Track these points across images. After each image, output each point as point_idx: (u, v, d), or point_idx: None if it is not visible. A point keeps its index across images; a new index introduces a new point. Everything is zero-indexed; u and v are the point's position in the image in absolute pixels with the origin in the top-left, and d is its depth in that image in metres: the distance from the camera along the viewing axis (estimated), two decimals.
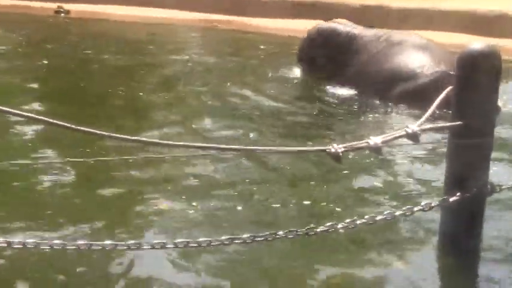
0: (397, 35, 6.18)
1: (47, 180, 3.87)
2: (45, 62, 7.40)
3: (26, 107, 5.20)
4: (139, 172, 4.01)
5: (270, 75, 6.84)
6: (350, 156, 3.79)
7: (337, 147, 2.63)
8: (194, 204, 3.55)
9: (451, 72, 2.97)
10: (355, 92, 5.93)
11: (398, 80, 5.67)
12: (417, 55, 5.75)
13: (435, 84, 5.37)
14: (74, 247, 2.42)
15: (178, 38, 9.34)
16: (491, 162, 2.88)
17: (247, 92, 6.13)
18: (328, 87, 6.15)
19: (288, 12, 10.34)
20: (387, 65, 5.83)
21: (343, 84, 6.07)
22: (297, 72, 6.72)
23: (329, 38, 6.39)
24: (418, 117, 4.99)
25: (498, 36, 8.66)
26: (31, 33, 9.24)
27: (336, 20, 6.66)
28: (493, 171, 2.96)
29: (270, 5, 10.67)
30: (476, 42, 2.90)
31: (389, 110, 5.55)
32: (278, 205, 3.58)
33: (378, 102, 5.66)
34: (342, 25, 6.48)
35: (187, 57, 7.81)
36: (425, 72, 5.56)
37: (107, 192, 3.75)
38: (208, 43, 9.05)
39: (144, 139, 2.90)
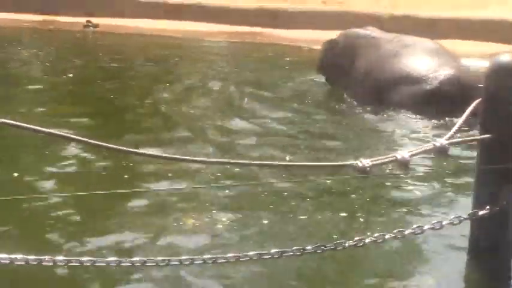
0: (407, 38, 6.16)
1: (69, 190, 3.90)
2: (71, 75, 7.49)
3: (54, 122, 5.25)
4: (162, 185, 4.05)
5: (292, 85, 6.87)
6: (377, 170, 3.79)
7: (364, 162, 2.62)
8: (221, 219, 3.57)
9: (480, 85, 2.94)
10: (367, 99, 5.90)
11: (403, 83, 5.66)
12: (424, 58, 5.74)
13: (441, 89, 5.41)
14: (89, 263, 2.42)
15: (205, 51, 9.39)
16: None
17: (270, 105, 6.15)
18: (345, 95, 6.16)
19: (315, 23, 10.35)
20: (392, 67, 5.82)
21: (356, 91, 6.08)
22: (319, 82, 6.74)
23: (342, 45, 6.44)
24: (436, 128, 5.15)
25: None
26: (59, 47, 9.39)
27: (365, 27, 6.66)
28: None
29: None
30: (505, 54, 2.89)
31: (408, 118, 5.51)
32: (305, 219, 3.59)
33: (389, 109, 5.63)
34: (358, 31, 6.47)
35: (213, 70, 7.87)
36: (431, 76, 5.53)
37: (132, 205, 3.78)
38: (234, 55, 9.10)
39: (173, 156, 2.92)
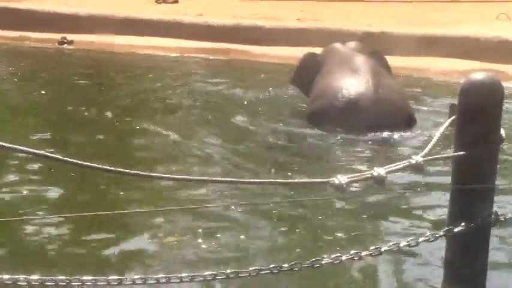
0: (351, 56, 6.22)
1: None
2: (43, 92, 7.46)
3: (24, 139, 5.23)
4: (140, 204, 4.04)
5: (266, 100, 6.90)
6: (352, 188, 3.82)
7: (341, 179, 2.65)
8: (199, 238, 3.57)
9: (454, 103, 2.99)
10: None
11: (315, 99, 5.99)
12: (346, 77, 5.84)
13: (339, 106, 5.55)
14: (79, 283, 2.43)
15: (180, 67, 9.40)
16: (495, 191, 2.91)
17: (247, 120, 6.17)
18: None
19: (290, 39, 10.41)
20: (317, 84, 6.09)
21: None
22: (294, 95, 6.81)
23: (304, 61, 6.58)
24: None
25: (495, 62, 8.77)
26: (31, 63, 9.34)
27: (347, 42, 6.73)
28: (497, 200, 2.99)
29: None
30: (479, 72, 2.94)
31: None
32: (282, 237, 3.61)
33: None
34: (333, 46, 6.56)
35: (187, 87, 7.88)
36: (343, 94, 5.67)
37: (112, 223, 3.78)
38: (209, 72, 9.11)
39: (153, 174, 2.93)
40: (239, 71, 9.11)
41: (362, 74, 5.86)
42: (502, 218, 2.89)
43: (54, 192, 4.30)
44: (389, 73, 6.43)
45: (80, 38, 10.96)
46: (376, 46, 7.40)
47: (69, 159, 2.38)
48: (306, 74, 6.49)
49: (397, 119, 5.65)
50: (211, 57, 10.10)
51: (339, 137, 5.54)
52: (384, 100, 5.63)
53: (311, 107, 6.04)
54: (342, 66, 6.06)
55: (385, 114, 5.58)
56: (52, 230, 3.68)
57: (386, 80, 5.97)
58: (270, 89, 7.45)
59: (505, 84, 2.86)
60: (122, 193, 4.23)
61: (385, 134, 5.58)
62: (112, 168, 2.39)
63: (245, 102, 6.92)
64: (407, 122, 5.82)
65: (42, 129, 5.91)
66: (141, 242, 3.58)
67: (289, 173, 4.61)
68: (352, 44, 6.60)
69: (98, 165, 2.43)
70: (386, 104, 5.62)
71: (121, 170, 2.45)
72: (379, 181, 2.72)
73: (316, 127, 5.75)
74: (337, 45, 6.58)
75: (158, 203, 4.07)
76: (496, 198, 2.94)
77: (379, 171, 2.71)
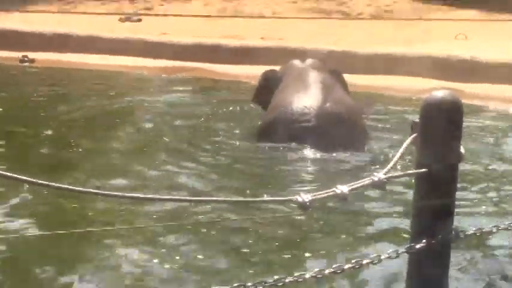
0: (305, 72, 6.28)
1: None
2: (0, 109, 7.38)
3: None
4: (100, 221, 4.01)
5: (227, 118, 6.93)
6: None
7: (304, 197, 2.66)
8: (159, 256, 3.55)
9: (416, 120, 3.03)
10: None
11: (266, 115, 6.09)
12: (298, 93, 5.91)
13: (278, 122, 5.63)
14: None
15: (141, 86, 9.35)
16: (456, 207, 2.95)
17: (204, 140, 6.17)
18: None
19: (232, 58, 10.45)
20: (273, 100, 6.15)
21: None
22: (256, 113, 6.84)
23: (264, 78, 6.65)
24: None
25: (455, 80, 8.94)
26: None
27: (305, 60, 6.79)
28: (458, 217, 3.03)
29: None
30: (439, 90, 2.99)
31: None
32: (246, 255, 3.60)
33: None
34: (292, 63, 6.61)
35: (147, 104, 7.86)
36: (286, 109, 5.75)
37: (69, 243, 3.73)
38: (170, 90, 9.09)
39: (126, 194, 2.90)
40: (202, 89, 9.12)
41: (312, 89, 5.92)
42: (462, 235, 2.93)
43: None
44: (345, 89, 6.48)
45: (41, 57, 10.86)
46: (339, 65, 7.47)
47: (21, 177, 2.35)
48: (266, 91, 6.53)
49: (345, 132, 5.65)
50: (174, 76, 10.09)
51: (290, 152, 5.56)
52: (330, 114, 5.66)
53: (261, 122, 6.08)
54: (296, 82, 6.13)
55: (332, 127, 5.59)
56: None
57: (336, 95, 6.00)
58: (231, 108, 7.48)
59: (464, 102, 2.91)
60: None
61: (340, 149, 5.59)
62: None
63: (202, 119, 6.94)
64: (357, 135, 5.83)
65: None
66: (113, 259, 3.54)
67: (248, 191, 4.62)
68: (310, 61, 6.67)
69: (42, 182, 2.40)
70: (332, 117, 5.64)
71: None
72: (342, 198, 2.74)
73: (268, 142, 5.76)
74: (295, 61, 6.64)
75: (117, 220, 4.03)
76: (457, 215, 2.98)
77: (342, 188, 2.73)
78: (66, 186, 2.39)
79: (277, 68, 6.88)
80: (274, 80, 6.52)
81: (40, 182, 2.33)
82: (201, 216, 4.05)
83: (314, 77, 6.12)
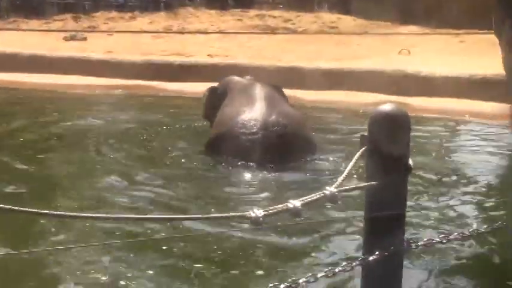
0: (250, 86, 6.32)
1: None
2: None
3: None
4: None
5: (176, 135, 6.91)
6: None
7: (257, 212, 2.66)
8: (108, 278, 3.50)
9: (364, 134, 3.07)
10: None
11: (212, 131, 6.13)
12: (245, 106, 5.95)
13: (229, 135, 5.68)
14: None
15: (87, 105, 9.26)
16: (406, 218, 2.99)
17: (149, 155, 6.15)
18: None
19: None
20: (218, 115, 6.17)
21: None
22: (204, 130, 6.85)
23: (208, 95, 6.68)
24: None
25: (400, 94, 9.12)
26: None
27: (244, 76, 6.84)
28: (409, 228, 3.07)
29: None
30: (386, 104, 3.03)
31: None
32: (198, 275, 3.58)
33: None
34: (232, 79, 6.66)
35: (93, 122, 7.80)
36: (233, 123, 5.78)
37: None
38: (119, 108, 9.03)
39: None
40: (148, 107, 9.08)
41: (255, 101, 5.96)
42: (413, 246, 2.97)
43: None
44: (285, 101, 6.53)
45: None
46: (285, 81, 7.55)
47: None
48: (210, 107, 6.56)
49: (294, 145, 5.68)
50: (119, 94, 10.02)
51: (238, 167, 5.56)
52: (277, 125, 5.67)
53: (209, 137, 6.10)
54: (241, 96, 6.15)
55: (280, 139, 5.61)
56: None
57: (282, 107, 6.03)
58: (177, 125, 7.46)
59: (411, 115, 2.96)
60: None
61: (290, 161, 5.61)
62: None
63: (152, 136, 6.92)
64: (306, 147, 5.87)
65: None
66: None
67: (199, 208, 4.59)
68: (247, 77, 6.75)
69: None
70: (280, 129, 5.65)
71: None
72: (296, 213, 2.75)
73: (216, 157, 5.78)
74: (234, 77, 6.69)
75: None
76: (407, 226, 3.02)
77: (295, 203, 2.73)
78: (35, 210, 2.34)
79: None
80: (216, 97, 6.54)
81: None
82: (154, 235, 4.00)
83: (259, 91, 6.16)
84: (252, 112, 5.83)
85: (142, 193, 4.97)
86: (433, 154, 6.41)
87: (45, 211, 2.32)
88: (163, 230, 4.04)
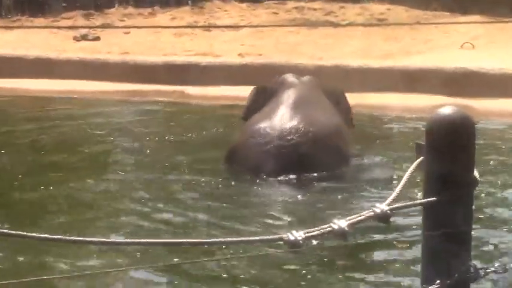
0: (292, 88, 6.29)
1: None
2: None
3: None
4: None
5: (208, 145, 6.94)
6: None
7: (296, 235, 2.63)
8: None
9: (421, 142, 3.02)
10: None
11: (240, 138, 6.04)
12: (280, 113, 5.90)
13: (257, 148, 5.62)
14: None
15: (102, 112, 9.34)
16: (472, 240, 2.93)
17: (181, 170, 6.17)
18: None
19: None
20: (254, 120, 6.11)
21: None
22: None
23: (253, 96, 6.64)
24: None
25: (467, 96, 8.99)
26: None
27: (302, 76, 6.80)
28: (477, 253, 3.01)
29: None
30: (446, 107, 2.97)
31: None
32: None
33: None
34: (284, 78, 6.61)
35: (111, 132, 7.91)
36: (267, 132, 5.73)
37: None
38: (138, 116, 9.09)
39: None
40: (171, 115, 9.10)
41: (282, 106, 5.94)
42: (482, 273, 2.90)
43: None
44: (344, 111, 6.46)
45: None
46: (329, 82, 7.50)
47: None
48: (252, 109, 6.51)
49: (311, 153, 5.62)
50: (138, 100, 10.06)
51: (262, 181, 5.56)
52: (294, 132, 5.65)
53: (231, 145, 6.06)
54: (274, 100, 6.12)
55: (293, 148, 5.58)
56: None
57: (310, 112, 5.94)
58: (204, 132, 7.48)
59: (475, 119, 2.91)
60: None
61: (318, 175, 5.59)
62: None
63: (174, 148, 6.98)
64: (329, 156, 5.75)
65: None
66: None
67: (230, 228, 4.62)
68: (305, 79, 6.65)
69: None
70: (297, 137, 5.62)
71: None
72: (341, 235, 2.71)
73: (233, 170, 5.80)
74: (289, 77, 6.59)
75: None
76: (473, 249, 2.96)
77: (340, 223, 2.69)
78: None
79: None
80: (262, 98, 6.49)
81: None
82: (176, 259, 4.05)
83: (294, 93, 6.10)
84: (272, 119, 5.79)
85: (164, 216, 5.02)
86: (498, 162, 6.31)
87: (72, 238, 2.32)
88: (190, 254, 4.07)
